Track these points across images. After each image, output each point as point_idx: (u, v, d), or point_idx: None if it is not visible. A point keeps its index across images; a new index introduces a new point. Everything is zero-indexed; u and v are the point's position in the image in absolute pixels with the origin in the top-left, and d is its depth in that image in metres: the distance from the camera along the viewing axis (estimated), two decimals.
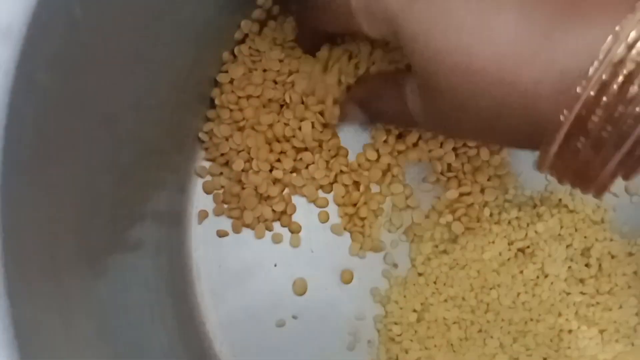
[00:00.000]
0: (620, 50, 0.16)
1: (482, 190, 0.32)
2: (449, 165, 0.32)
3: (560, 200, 0.32)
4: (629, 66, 0.16)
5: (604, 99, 0.17)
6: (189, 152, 0.32)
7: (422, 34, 0.20)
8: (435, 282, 0.31)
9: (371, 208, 0.32)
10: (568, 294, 0.31)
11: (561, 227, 0.31)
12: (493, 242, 0.31)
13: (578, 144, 0.18)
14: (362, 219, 0.32)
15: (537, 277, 0.31)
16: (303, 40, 0.30)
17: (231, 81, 0.32)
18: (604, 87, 0.17)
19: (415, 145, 0.32)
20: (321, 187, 0.32)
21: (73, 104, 0.20)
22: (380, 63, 0.30)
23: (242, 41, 0.32)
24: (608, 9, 0.17)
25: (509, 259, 0.31)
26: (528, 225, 0.31)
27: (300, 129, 0.31)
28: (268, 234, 0.32)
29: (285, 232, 0.32)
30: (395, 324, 0.31)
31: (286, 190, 0.32)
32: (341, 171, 0.32)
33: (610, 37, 0.17)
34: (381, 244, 0.32)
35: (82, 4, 0.18)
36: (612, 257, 0.31)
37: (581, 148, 0.18)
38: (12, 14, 0.16)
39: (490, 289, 0.31)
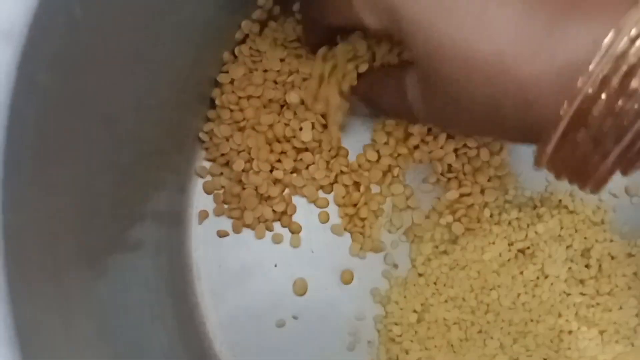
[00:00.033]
0: (622, 44, 0.17)
1: (482, 191, 0.32)
2: (449, 166, 0.32)
3: (560, 201, 0.32)
4: (631, 60, 0.17)
5: (605, 92, 0.17)
6: (190, 152, 0.32)
7: (424, 24, 0.20)
8: (435, 283, 0.31)
9: (371, 208, 0.32)
10: (568, 294, 0.31)
11: (561, 228, 0.31)
12: (493, 243, 0.31)
13: (577, 138, 0.18)
14: (363, 219, 0.32)
15: (537, 277, 0.31)
16: (307, 38, 0.30)
17: (232, 81, 0.32)
18: (605, 81, 0.17)
19: (416, 147, 0.32)
20: (321, 187, 0.32)
21: (73, 104, 0.20)
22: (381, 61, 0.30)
23: (243, 41, 0.32)
24: (609, 6, 0.17)
25: (509, 260, 0.31)
26: (528, 226, 0.31)
27: (300, 129, 0.31)
28: (268, 234, 0.32)
29: (285, 233, 0.32)
30: (396, 324, 0.31)
31: (286, 191, 0.32)
32: (341, 172, 0.32)
33: (612, 32, 0.17)
34: (381, 245, 0.32)
35: (82, 5, 0.18)
36: (612, 258, 0.31)
37: (580, 142, 0.18)
38: (13, 15, 0.16)
39: (491, 289, 0.31)
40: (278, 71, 0.32)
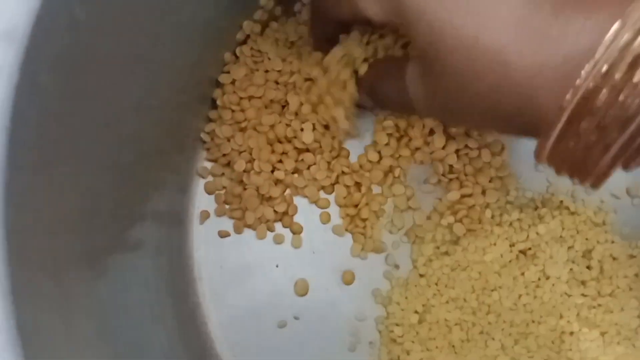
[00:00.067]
0: (627, 36, 0.16)
1: (484, 192, 0.32)
2: (451, 166, 0.32)
3: (561, 202, 0.32)
4: (636, 52, 0.16)
5: (609, 83, 0.17)
6: (191, 153, 0.32)
7: (427, 12, 0.20)
8: (436, 284, 0.31)
9: (372, 209, 0.32)
10: (569, 296, 0.31)
11: (562, 229, 0.31)
12: (494, 244, 0.31)
13: (579, 130, 0.18)
14: (364, 220, 0.32)
15: (539, 279, 0.31)
16: (313, 33, 0.30)
17: (233, 82, 0.32)
18: (609, 72, 0.17)
19: (417, 148, 0.32)
20: (323, 188, 0.32)
21: (75, 105, 0.20)
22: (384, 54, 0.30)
23: (244, 42, 0.32)
24: None
25: (510, 261, 0.31)
26: (529, 227, 0.31)
27: (302, 130, 0.31)
28: (269, 235, 0.32)
29: (286, 233, 0.32)
30: (397, 325, 0.31)
31: (288, 191, 0.32)
32: (343, 172, 0.32)
33: (617, 23, 0.17)
34: (382, 245, 0.32)
35: (84, 6, 0.18)
36: (614, 259, 0.31)
37: (582, 133, 0.18)
38: (15, 16, 0.16)
39: (492, 290, 0.31)
40: (279, 71, 0.32)
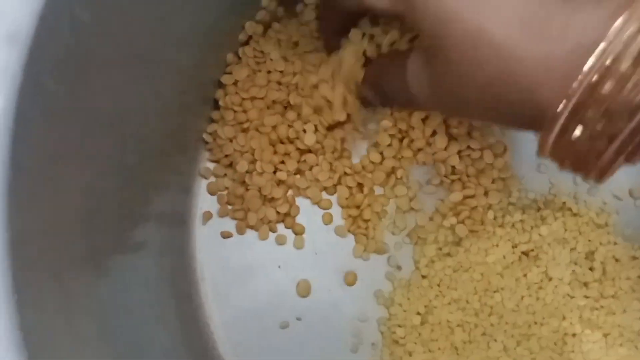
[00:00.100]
0: (634, 27, 0.16)
1: (486, 193, 0.32)
2: (453, 167, 0.32)
3: (564, 203, 0.32)
4: None
5: (615, 74, 0.17)
6: (193, 154, 0.32)
7: (433, 1, 0.20)
8: (439, 285, 0.31)
9: (375, 210, 0.32)
10: (572, 297, 0.31)
11: (565, 231, 0.31)
12: (497, 245, 0.31)
13: (585, 118, 0.18)
14: (366, 221, 0.32)
15: (541, 280, 0.31)
16: (323, 27, 0.30)
17: (235, 83, 0.32)
18: (614, 62, 0.17)
19: (419, 149, 0.32)
20: (325, 189, 0.32)
21: (78, 107, 0.20)
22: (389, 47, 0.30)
23: (246, 43, 0.32)
24: None
25: (512, 262, 0.31)
26: (532, 228, 0.31)
27: (304, 131, 0.31)
28: (272, 236, 0.32)
29: (289, 234, 0.32)
30: (399, 326, 0.31)
31: (290, 192, 0.32)
32: (345, 173, 0.32)
33: (625, 14, 0.17)
34: (385, 246, 0.32)
35: (87, 8, 0.18)
36: (616, 260, 0.31)
37: (587, 123, 0.18)
38: (19, 18, 0.16)
39: (494, 292, 0.31)
40: (281, 72, 0.32)
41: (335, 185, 0.32)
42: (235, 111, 0.31)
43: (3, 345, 0.17)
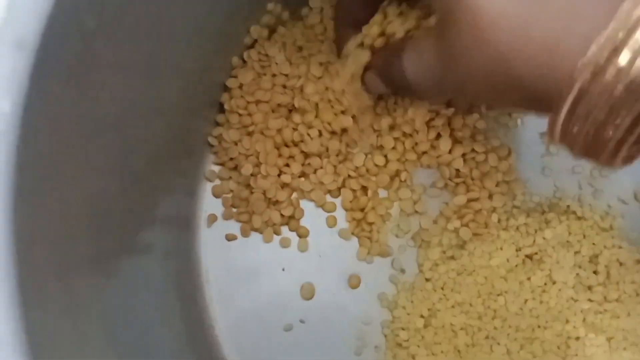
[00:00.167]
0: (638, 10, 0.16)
1: (490, 196, 0.32)
2: (457, 170, 0.32)
3: (568, 206, 0.32)
4: None
5: (619, 58, 0.17)
6: (199, 157, 0.32)
7: None
8: (442, 288, 0.31)
9: (379, 213, 0.32)
10: (576, 301, 0.31)
11: (569, 234, 0.31)
12: (501, 249, 0.31)
13: (591, 103, 0.18)
14: (370, 224, 0.32)
15: (545, 283, 0.31)
16: (339, 19, 0.30)
17: (240, 86, 0.32)
18: (620, 46, 0.17)
19: (424, 152, 0.32)
20: (329, 191, 0.32)
21: (85, 111, 0.20)
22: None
23: (252, 46, 0.32)
24: None
25: (516, 266, 0.31)
26: (536, 231, 0.31)
27: (309, 135, 0.31)
28: (276, 238, 0.32)
29: (293, 237, 0.32)
30: (403, 329, 0.31)
31: (294, 195, 0.32)
32: (349, 176, 0.32)
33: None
34: (389, 249, 0.32)
35: (94, 14, 0.19)
36: (621, 264, 0.31)
37: (595, 108, 0.18)
38: (26, 24, 0.16)
39: (498, 295, 0.31)
40: (286, 76, 0.32)
41: (339, 188, 0.32)
42: (240, 114, 0.32)
43: (8, 346, 0.17)
